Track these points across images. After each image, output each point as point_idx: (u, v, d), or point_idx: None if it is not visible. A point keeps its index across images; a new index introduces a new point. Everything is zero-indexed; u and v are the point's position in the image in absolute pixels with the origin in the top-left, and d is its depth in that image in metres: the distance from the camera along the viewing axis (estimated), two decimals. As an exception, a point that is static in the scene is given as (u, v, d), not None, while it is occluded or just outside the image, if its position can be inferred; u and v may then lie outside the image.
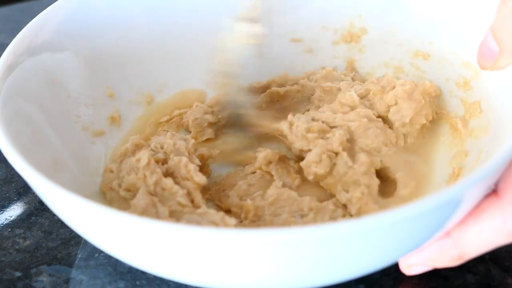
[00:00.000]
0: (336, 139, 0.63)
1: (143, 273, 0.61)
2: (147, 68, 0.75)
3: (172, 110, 0.73)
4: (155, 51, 0.75)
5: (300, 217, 0.61)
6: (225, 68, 0.70)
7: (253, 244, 0.48)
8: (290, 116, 0.66)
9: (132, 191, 0.61)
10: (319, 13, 0.76)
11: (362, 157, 0.62)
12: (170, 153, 0.64)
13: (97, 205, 0.50)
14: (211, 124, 0.71)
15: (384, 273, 0.60)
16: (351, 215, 0.61)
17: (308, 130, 0.64)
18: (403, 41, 0.73)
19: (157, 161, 0.63)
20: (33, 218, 0.67)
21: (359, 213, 0.60)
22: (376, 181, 0.62)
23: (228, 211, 0.63)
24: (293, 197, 0.62)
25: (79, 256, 0.63)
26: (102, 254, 0.63)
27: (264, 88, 0.74)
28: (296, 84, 0.73)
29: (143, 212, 0.58)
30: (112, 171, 0.64)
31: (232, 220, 0.58)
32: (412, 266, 0.55)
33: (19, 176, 0.63)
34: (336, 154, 0.63)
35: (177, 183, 0.61)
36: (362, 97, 0.68)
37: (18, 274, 0.62)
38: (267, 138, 0.69)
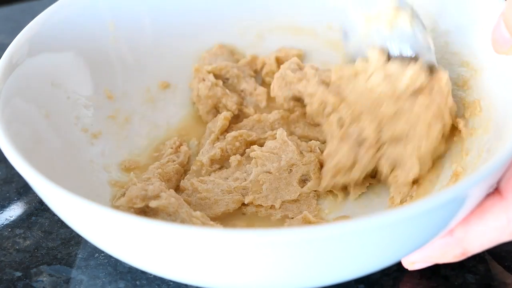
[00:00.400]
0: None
1: (143, 273, 0.61)
2: (147, 68, 0.75)
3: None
4: (155, 51, 0.75)
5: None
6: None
7: (252, 244, 0.48)
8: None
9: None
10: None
11: None
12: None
13: (98, 205, 0.50)
14: None
15: (384, 273, 0.60)
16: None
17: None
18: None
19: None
20: (33, 218, 0.67)
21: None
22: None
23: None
24: None
25: (79, 256, 0.63)
26: (102, 254, 0.63)
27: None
28: None
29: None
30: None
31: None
32: (415, 263, 0.56)
33: (19, 176, 0.63)
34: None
35: None
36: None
37: (18, 274, 0.62)
38: None
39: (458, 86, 0.68)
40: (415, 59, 0.65)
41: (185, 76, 0.76)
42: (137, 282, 0.60)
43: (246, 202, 0.64)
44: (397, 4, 0.64)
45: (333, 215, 0.64)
